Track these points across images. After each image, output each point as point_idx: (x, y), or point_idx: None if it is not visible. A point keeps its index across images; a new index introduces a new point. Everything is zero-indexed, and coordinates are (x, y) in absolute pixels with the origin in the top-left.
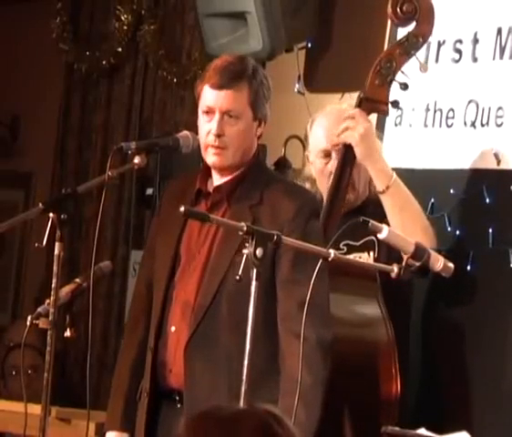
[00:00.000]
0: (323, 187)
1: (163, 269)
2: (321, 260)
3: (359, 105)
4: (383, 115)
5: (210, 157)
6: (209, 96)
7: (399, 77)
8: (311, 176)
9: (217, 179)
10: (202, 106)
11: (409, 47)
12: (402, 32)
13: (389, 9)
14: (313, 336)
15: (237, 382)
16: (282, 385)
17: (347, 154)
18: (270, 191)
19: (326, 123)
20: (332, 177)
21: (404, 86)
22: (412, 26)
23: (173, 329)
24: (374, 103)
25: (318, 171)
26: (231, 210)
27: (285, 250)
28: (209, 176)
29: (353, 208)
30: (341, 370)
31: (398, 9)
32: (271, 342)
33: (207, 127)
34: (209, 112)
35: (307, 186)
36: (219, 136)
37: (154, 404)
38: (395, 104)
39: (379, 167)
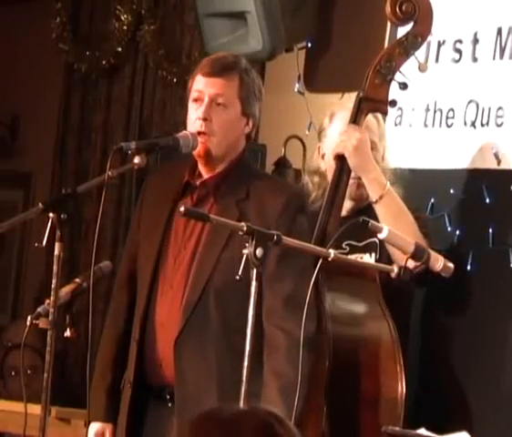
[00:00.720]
0: None
1: (148, 262)
2: (320, 260)
3: (358, 104)
4: (382, 114)
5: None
6: (199, 83)
7: (397, 77)
8: (319, 169)
9: (203, 173)
10: (192, 93)
11: (408, 47)
12: (402, 32)
13: (388, 9)
14: (298, 330)
15: (227, 380)
16: (265, 377)
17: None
18: (256, 187)
19: (348, 115)
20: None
21: (404, 86)
22: (410, 26)
23: (161, 323)
24: (374, 102)
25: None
26: (218, 206)
27: (272, 247)
28: (197, 170)
29: (359, 209)
30: (344, 370)
31: (397, 9)
32: (259, 338)
33: (195, 115)
34: (198, 99)
35: (315, 179)
36: (205, 119)
37: (139, 397)
38: (393, 103)
39: (372, 176)
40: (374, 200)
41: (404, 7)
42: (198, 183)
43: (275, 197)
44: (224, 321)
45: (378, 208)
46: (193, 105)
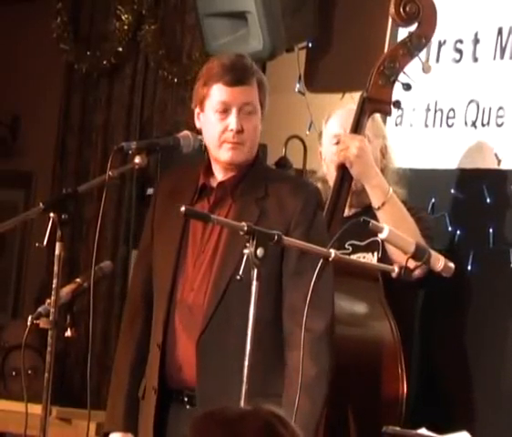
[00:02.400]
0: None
1: (166, 267)
2: (321, 261)
3: (362, 104)
4: (385, 115)
5: (226, 153)
6: (223, 94)
7: (401, 78)
8: (323, 176)
9: (220, 176)
10: (215, 104)
11: (412, 48)
12: (402, 32)
13: (392, 9)
14: (318, 327)
15: (251, 375)
16: (287, 376)
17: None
18: (274, 185)
19: (342, 113)
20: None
21: (407, 87)
22: (414, 27)
23: (182, 325)
24: (378, 103)
25: (331, 159)
26: (237, 205)
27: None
28: (211, 172)
29: (363, 207)
30: (345, 370)
31: (401, 9)
32: (280, 333)
33: (222, 124)
34: (225, 109)
35: (319, 185)
36: (239, 132)
37: (161, 403)
38: (397, 104)
39: (375, 183)
40: (377, 207)
41: (408, 8)
42: (215, 185)
43: (295, 193)
44: (246, 320)
45: (380, 215)
46: (217, 115)
